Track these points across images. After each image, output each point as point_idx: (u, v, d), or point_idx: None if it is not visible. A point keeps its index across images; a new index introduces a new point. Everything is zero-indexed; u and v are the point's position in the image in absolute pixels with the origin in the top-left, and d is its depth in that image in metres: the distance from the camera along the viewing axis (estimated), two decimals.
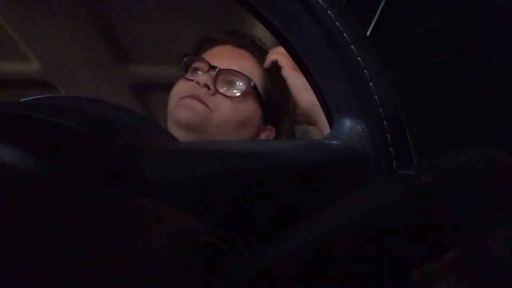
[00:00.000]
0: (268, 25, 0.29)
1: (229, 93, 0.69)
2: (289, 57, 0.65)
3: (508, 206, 0.20)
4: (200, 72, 0.70)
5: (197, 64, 0.72)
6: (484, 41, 0.62)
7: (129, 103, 1.19)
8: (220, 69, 0.69)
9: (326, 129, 0.30)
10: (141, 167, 0.19)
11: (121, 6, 0.96)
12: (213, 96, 0.68)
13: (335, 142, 0.27)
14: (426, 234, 0.17)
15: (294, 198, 0.23)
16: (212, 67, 0.69)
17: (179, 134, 0.66)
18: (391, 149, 0.26)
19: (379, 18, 0.75)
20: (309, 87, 0.64)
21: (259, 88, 0.71)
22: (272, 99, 0.73)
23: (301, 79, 0.63)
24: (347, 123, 0.27)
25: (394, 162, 0.26)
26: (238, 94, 0.69)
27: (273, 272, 0.13)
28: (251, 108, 0.71)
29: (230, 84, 0.70)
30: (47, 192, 0.14)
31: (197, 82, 0.68)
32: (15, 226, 0.12)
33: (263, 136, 0.74)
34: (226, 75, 0.69)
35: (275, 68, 0.72)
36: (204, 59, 0.71)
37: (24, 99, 0.29)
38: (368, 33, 0.76)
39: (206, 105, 0.67)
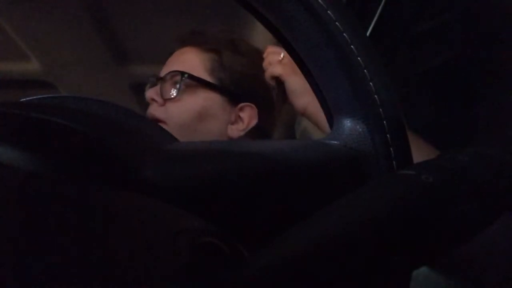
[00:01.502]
0: (268, 25, 0.29)
1: (171, 96, 0.67)
2: (277, 56, 0.63)
3: (508, 206, 0.20)
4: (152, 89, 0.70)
5: (152, 82, 0.72)
6: (484, 41, 0.62)
7: (129, 103, 1.19)
8: (159, 78, 0.69)
9: (327, 129, 0.29)
10: (141, 167, 0.19)
11: (121, 6, 0.96)
12: (164, 106, 0.67)
13: (335, 142, 0.27)
14: (426, 234, 0.17)
15: (294, 198, 0.23)
16: (157, 79, 0.69)
17: None
18: (391, 149, 0.26)
19: (379, 18, 0.75)
20: (302, 90, 0.64)
21: (204, 74, 0.69)
22: (231, 76, 0.70)
23: (297, 83, 0.62)
24: (347, 123, 0.27)
25: (394, 162, 0.26)
26: (175, 93, 0.67)
27: (273, 272, 0.13)
28: (201, 98, 0.68)
29: (174, 86, 0.68)
30: (47, 192, 0.14)
31: (149, 101, 0.68)
32: (15, 226, 0.12)
33: (245, 115, 0.70)
34: (167, 81, 0.68)
35: (227, 45, 0.70)
36: (156, 74, 0.71)
37: (24, 99, 0.28)
38: (368, 33, 0.76)
39: (161, 120, 0.66)
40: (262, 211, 0.21)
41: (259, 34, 1.00)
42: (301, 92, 0.60)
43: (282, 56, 0.63)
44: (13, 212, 0.12)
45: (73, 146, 0.18)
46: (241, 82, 0.71)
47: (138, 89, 1.19)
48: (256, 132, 0.71)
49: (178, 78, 0.67)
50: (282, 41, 0.29)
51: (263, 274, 0.13)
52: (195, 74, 0.68)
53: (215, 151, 0.23)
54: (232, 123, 0.70)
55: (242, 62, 0.71)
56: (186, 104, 0.67)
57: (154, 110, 0.67)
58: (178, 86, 0.67)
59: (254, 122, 0.71)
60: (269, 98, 0.71)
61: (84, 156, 0.18)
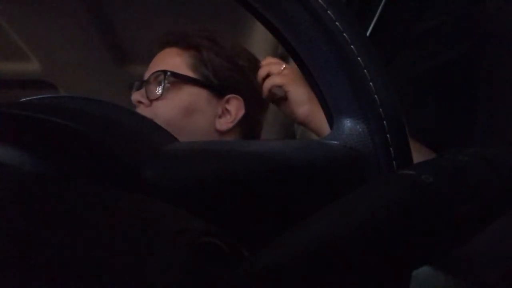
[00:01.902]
0: (268, 25, 0.29)
1: (157, 95, 0.68)
2: (279, 66, 0.64)
3: (508, 206, 0.20)
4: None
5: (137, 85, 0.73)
6: (484, 41, 0.62)
7: (129, 103, 1.20)
8: (144, 81, 0.70)
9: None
10: (141, 167, 0.19)
11: (121, 7, 0.96)
12: (151, 106, 0.69)
13: (335, 142, 0.27)
14: (426, 234, 0.17)
15: (293, 198, 0.23)
16: (142, 82, 0.71)
17: None
18: (391, 149, 0.26)
19: (379, 18, 0.75)
20: (304, 99, 0.65)
21: (186, 71, 0.70)
22: (214, 70, 0.71)
23: (299, 93, 0.63)
24: (347, 123, 0.27)
25: (394, 162, 0.25)
26: (160, 91, 0.68)
27: (273, 272, 0.13)
28: (186, 94, 0.69)
29: (158, 86, 0.69)
30: (47, 192, 0.14)
31: (135, 104, 0.70)
32: (15, 226, 0.12)
33: (232, 107, 0.71)
34: (151, 82, 0.70)
35: (207, 41, 0.71)
36: (139, 79, 0.72)
37: (24, 99, 0.28)
38: (368, 33, 0.76)
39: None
40: (262, 211, 0.21)
41: (259, 34, 1.00)
42: (302, 101, 0.62)
43: (283, 67, 0.65)
44: (14, 212, 0.12)
45: (73, 146, 0.18)
46: (224, 75, 0.71)
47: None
48: (246, 122, 0.73)
49: (161, 77, 0.69)
50: (282, 41, 0.29)
51: (263, 274, 0.13)
52: (178, 71, 0.69)
53: (215, 151, 0.23)
54: (220, 116, 0.71)
55: (222, 56, 0.72)
56: (172, 101, 0.68)
57: (141, 112, 0.68)
58: (162, 84, 0.68)
59: (241, 113, 0.72)
60: (253, 87, 0.72)
61: (84, 156, 0.18)
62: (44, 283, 0.10)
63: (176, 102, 0.68)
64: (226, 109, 0.71)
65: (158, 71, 0.69)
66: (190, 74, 0.70)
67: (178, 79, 0.69)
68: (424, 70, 0.75)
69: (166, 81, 0.68)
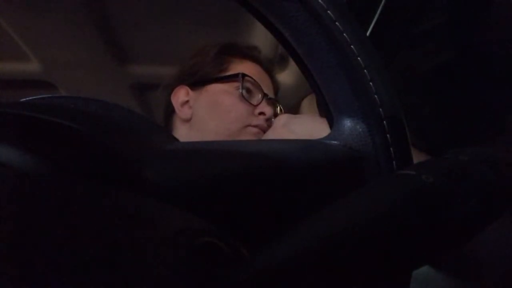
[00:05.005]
0: (268, 25, 0.29)
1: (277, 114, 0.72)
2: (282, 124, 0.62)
3: (508, 206, 0.20)
4: (259, 98, 0.70)
5: (253, 88, 0.71)
6: (484, 41, 0.62)
7: (129, 103, 1.19)
8: (274, 100, 0.72)
9: None
10: (141, 167, 0.19)
11: (121, 7, 0.96)
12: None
13: (335, 142, 0.27)
14: (426, 234, 0.17)
15: (294, 198, 0.23)
16: (268, 98, 0.71)
17: None
18: (391, 149, 0.26)
19: (379, 18, 0.75)
20: (302, 133, 0.63)
21: None
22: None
23: (302, 126, 0.62)
24: (347, 123, 0.27)
25: (394, 162, 0.25)
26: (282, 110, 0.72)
27: (273, 272, 0.13)
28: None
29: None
30: (47, 192, 0.14)
31: (264, 115, 0.69)
32: (15, 226, 0.12)
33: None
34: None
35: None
36: (259, 85, 0.71)
37: (24, 99, 0.28)
38: (368, 33, 0.76)
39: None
40: (262, 211, 0.21)
41: (259, 35, 1.00)
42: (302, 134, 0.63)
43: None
44: (14, 212, 0.12)
45: (73, 146, 0.18)
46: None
47: (138, 89, 1.19)
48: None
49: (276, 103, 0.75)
50: (282, 41, 0.29)
51: (263, 274, 0.13)
52: None
53: (215, 151, 0.23)
54: None
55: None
56: None
57: (266, 128, 0.69)
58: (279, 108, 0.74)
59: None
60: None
61: (84, 156, 0.18)
62: (41, 283, 0.10)
63: None
64: None
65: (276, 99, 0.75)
66: None
67: None
68: (423, 70, 0.75)
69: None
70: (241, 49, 0.75)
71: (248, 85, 0.70)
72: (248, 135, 0.67)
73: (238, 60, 0.73)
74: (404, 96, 0.74)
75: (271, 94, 0.72)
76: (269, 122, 0.69)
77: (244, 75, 0.69)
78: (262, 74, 0.74)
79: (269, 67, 0.76)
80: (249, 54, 0.75)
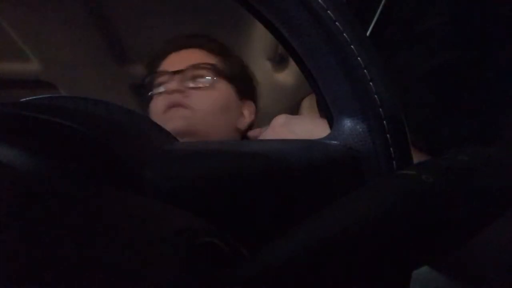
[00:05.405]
0: (268, 25, 0.29)
1: (201, 85, 0.71)
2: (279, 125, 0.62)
3: (508, 206, 0.20)
4: (166, 83, 0.73)
5: (159, 79, 0.74)
6: (484, 41, 0.62)
7: (129, 103, 1.19)
8: (181, 70, 0.72)
9: None
10: (141, 167, 0.19)
11: (121, 6, 0.96)
12: (189, 96, 0.71)
13: (335, 142, 0.27)
14: (426, 234, 0.17)
15: (293, 198, 0.23)
16: (174, 72, 0.72)
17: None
18: (391, 149, 0.26)
19: (379, 18, 0.75)
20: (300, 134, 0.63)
21: (221, 70, 0.74)
22: (237, 75, 0.76)
23: (301, 127, 0.62)
24: (347, 123, 0.27)
25: (394, 162, 0.25)
26: (209, 82, 0.71)
27: (273, 272, 0.13)
28: (223, 89, 0.74)
29: (197, 78, 0.72)
30: (47, 192, 0.14)
31: (169, 92, 0.71)
32: (15, 226, 0.12)
33: (246, 112, 0.77)
34: (189, 73, 0.72)
35: (226, 50, 0.77)
36: (162, 71, 0.74)
37: (24, 99, 0.28)
38: (368, 33, 0.76)
39: (188, 107, 0.70)
40: (262, 211, 0.21)
41: (259, 34, 1.00)
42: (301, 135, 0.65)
43: None
44: (14, 212, 0.12)
45: (73, 146, 0.18)
46: (242, 82, 0.78)
47: (138, 89, 1.19)
48: (248, 130, 0.78)
49: (202, 70, 0.72)
50: (282, 41, 0.29)
51: (263, 274, 0.13)
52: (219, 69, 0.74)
53: (215, 151, 0.23)
54: (238, 117, 0.76)
55: (239, 64, 0.78)
56: (213, 94, 0.72)
57: (181, 100, 0.70)
58: (208, 76, 0.72)
59: (253, 117, 0.78)
60: (257, 99, 0.80)
61: (84, 156, 0.18)
62: (42, 283, 0.10)
63: (216, 96, 0.72)
64: (242, 114, 0.77)
65: (207, 63, 0.72)
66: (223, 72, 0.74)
67: (221, 76, 0.73)
68: (424, 70, 0.75)
69: (213, 75, 0.72)
70: (156, 57, 0.79)
71: (152, 81, 0.77)
72: (170, 120, 0.69)
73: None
74: (404, 96, 0.74)
75: (187, 64, 0.73)
76: (177, 94, 0.70)
77: (144, 79, 0.78)
78: (172, 57, 0.77)
79: (178, 47, 0.78)
80: (161, 54, 0.79)
